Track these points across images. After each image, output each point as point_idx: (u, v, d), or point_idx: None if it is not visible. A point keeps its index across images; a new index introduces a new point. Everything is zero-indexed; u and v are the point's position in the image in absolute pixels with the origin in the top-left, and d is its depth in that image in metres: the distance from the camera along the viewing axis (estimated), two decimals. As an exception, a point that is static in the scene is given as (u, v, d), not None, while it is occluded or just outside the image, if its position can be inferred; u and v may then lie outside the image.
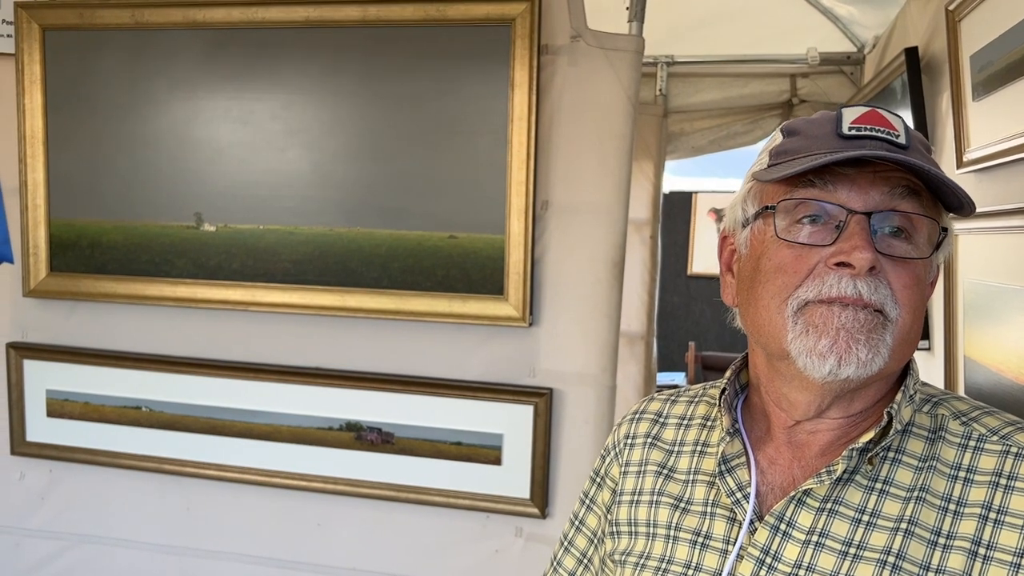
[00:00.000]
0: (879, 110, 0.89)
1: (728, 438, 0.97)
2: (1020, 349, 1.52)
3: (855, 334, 0.84)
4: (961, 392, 1.84)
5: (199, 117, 2.05)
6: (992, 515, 0.83)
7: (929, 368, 2.09)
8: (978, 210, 1.70)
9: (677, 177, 7.10)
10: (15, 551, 2.27)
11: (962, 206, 0.88)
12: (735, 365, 1.03)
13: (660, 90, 3.41)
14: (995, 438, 0.88)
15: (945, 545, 0.84)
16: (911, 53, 2.16)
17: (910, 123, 2.10)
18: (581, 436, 1.93)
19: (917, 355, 0.95)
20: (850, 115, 0.89)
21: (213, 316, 2.11)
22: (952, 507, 0.85)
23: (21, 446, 2.24)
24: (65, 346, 2.21)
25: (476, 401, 1.96)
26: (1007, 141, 1.60)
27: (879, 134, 0.86)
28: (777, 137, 0.95)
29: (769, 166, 0.92)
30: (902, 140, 0.87)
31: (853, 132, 0.87)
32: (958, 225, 1.85)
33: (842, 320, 0.84)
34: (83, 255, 2.14)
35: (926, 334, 2.13)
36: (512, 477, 1.95)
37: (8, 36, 2.15)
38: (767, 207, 0.91)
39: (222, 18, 2.00)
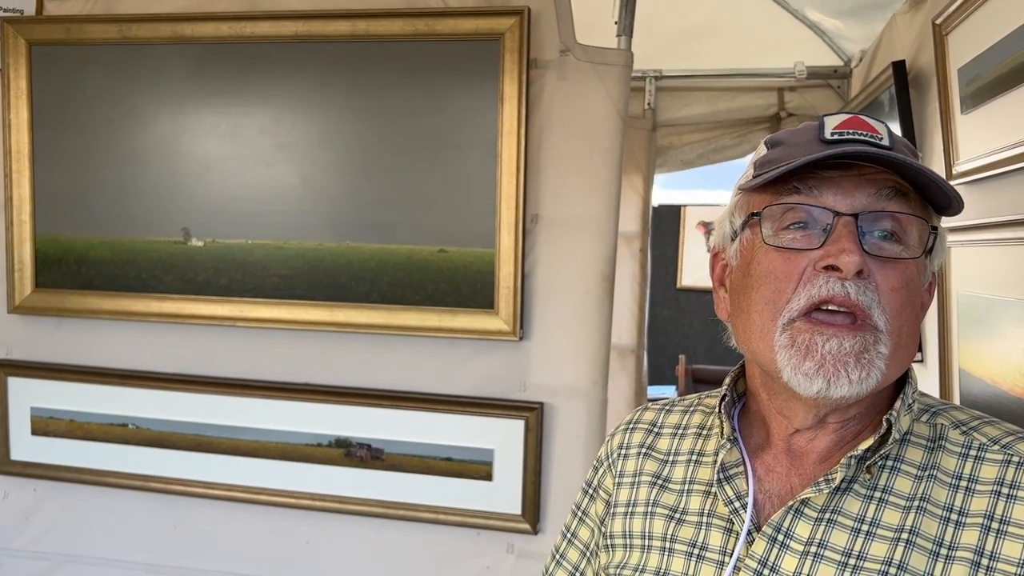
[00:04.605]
0: (862, 116, 0.88)
1: (729, 445, 0.95)
2: (1015, 360, 1.52)
3: (843, 357, 0.83)
4: (957, 404, 1.84)
5: (187, 132, 2.04)
6: (994, 525, 0.82)
7: (923, 380, 2.08)
8: (969, 222, 1.71)
9: (666, 190, 7.13)
10: (-1, 572, 2.24)
11: (951, 203, 0.87)
12: (734, 373, 1.02)
13: (649, 104, 3.42)
14: (996, 447, 0.87)
15: (947, 556, 0.83)
16: (899, 66, 2.16)
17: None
18: (572, 450, 1.92)
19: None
20: (832, 121, 0.88)
21: (201, 332, 2.09)
22: (954, 517, 0.84)
23: (5, 465, 2.21)
24: (50, 363, 2.18)
25: (466, 416, 1.94)
26: (996, 153, 1.60)
27: (862, 137, 0.86)
28: (762, 149, 0.95)
29: (754, 177, 0.91)
30: (885, 143, 0.86)
31: (836, 137, 0.87)
32: (951, 237, 1.86)
33: (828, 348, 0.83)
34: (69, 271, 2.12)
35: (919, 347, 2.13)
36: (503, 493, 1.93)
37: (-6, 51, 2.13)
38: (753, 214, 0.91)
39: (210, 33, 1.99)
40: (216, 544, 2.13)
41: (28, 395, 2.19)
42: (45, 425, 2.19)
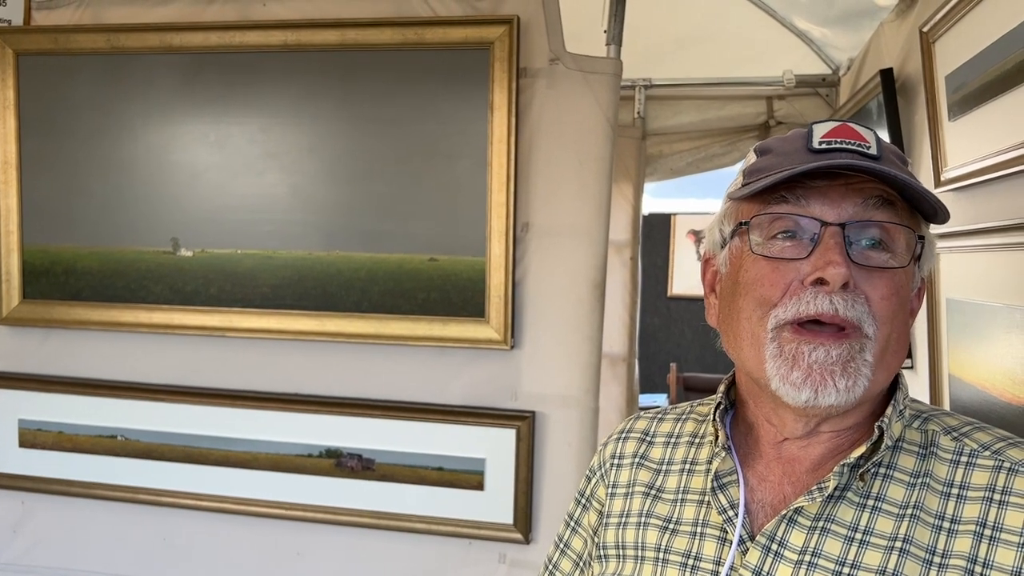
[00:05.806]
0: (850, 124, 0.89)
1: (724, 453, 0.95)
2: (1004, 366, 1.52)
3: (829, 366, 0.84)
4: (948, 409, 1.84)
5: (176, 141, 2.03)
6: (987, 532, 0.82)
7: (913, 386, 2.08)
8: (958, 228, 1.72)
9: (656, 199, 7.13)
10: (-14, 586, 2.22)
11: (936, 213, 0.88)
12: (727, 379, 1.02)
13: (638, 112, 3.42)
14: (987, 453, 0.87)
15: (940, 564, 0.83)
16: (886, 74, 2.18)
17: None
18: (564, 459, 1.91)
19: (900, 373, 0.96)
20: (820, 130, 0.89)
21: (190, 342, 2.08)
22: (946, 525, 0.84)
23: (-8, 478, 2.20)
24: (38, 375, 2.16)
25: (458, 425, 1.93)
26: (984, 160, 1.61)
27: (849, 146, 0.86)
28: (751, 157, 0.96)
29: (743, 185, 0.92)
30: (873, 151, 0.86)
31: (823, 146, 0.87)
32: (940, 243, 1.86)
33: (814, 357, 0.84)
34: (57, 282, 2.11)
35: (908, 353, 2.13)
36: (495, 502, 1.93)
37: (-19, 61, 2.12)
38: (741, 223, 0.92)
39: (199, 42, 1.99)
40: (206, 556, 2.11)
41: (16, 407, 2.17)
42: (33, 437, 2.17)
